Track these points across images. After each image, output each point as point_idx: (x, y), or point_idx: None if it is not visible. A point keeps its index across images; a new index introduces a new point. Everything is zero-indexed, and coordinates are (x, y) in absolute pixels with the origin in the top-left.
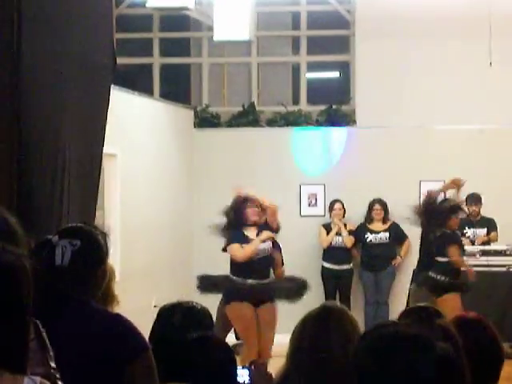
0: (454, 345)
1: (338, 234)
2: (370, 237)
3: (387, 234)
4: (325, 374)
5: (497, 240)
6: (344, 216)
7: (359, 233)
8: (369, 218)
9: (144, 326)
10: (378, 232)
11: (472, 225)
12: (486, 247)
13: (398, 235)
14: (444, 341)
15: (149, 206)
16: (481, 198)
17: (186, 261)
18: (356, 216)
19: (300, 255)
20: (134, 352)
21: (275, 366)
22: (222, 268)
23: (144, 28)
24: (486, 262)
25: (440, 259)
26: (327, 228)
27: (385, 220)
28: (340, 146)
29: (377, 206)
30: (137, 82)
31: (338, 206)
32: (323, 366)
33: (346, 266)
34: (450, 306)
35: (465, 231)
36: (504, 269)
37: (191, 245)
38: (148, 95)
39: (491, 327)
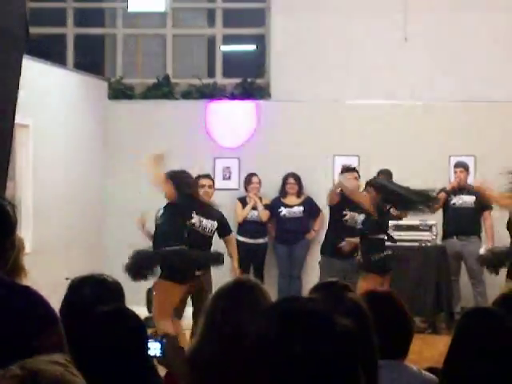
0: (364, 319)
1: (254, 208)
2: (283, 211)
3: (301, 208)
4: (236, 348)
5: (406, 216)
6: (259, 190)
7: (273, 207)
8: (283, 192)
9: (56, 299)
10: (292, 206)
11: None
12: (399, 222)
13: (312, 209)
14: (353, 316)
15: (61, 178)
16: (391, 174)
17: (99, 234)
18: (270, 190)
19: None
20: (42, 324)
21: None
22: (133, 243)
23: None
24: (398, 237)
25: None
26: (243, 202)
27: (299, 194)
28: (254, 120)
29: (290, 180)
30: (50, 52)
31: (255, 179)
32: (234, 340)
33: (261, 240)
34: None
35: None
36: (416, 244)
37: (104, 218)
38: (61, 65)
39: (401, 302)
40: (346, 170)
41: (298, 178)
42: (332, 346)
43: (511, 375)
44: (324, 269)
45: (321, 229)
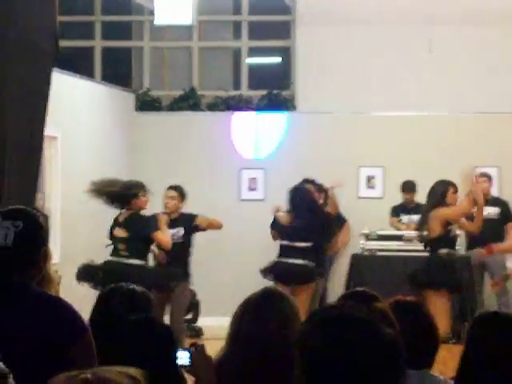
0: (393, 329)
1: None
2: None
3: None
4: (262, 359)
5: None
6: None
7: None
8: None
9: (84, 308)
10: None
11: (407, 211)
12: (425, 233)
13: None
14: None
15: None
16: (415, 186)
17: None
18: None
19: (241, 239)
20: (73, 335)
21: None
22: None
23: (86, 11)
24: (423, 248)
25: None
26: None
27: (324, 204)
28: (280, 131)
29: (309, 187)
30: (79, 64)
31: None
32: (261, 350)
33: None
34: None
35: (400, 217)
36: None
37: None
38: (89, 78)
39: (428, 311)
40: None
41: (323, 189)
42: (378, 354)
43: None
44: None
45: (346, 240)
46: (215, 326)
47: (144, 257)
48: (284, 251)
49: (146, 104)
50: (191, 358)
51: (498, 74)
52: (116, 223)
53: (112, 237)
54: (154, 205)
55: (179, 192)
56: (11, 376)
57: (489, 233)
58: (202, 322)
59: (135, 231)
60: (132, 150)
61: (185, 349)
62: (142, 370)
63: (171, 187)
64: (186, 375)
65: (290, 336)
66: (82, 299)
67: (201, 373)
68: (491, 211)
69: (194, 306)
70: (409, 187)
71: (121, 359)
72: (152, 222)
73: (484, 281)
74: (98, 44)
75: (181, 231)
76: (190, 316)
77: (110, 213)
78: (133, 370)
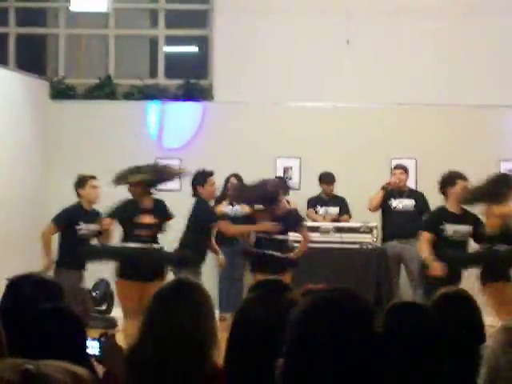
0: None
1: None
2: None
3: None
4: (173, 348)
5: (348, 221)
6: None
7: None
8: (225, 193)
9: None
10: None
11: (324, 203)
12: (341, 224)
13: None
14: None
15: (2, 181)
16: (334, 177)
17: (37, 235)
18: None
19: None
20: None
21: None
22: None
23: None
24: (339, 239)
25: None
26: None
27: None
28: (197, 121)
29: (233, 180)
30: None
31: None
32: (172, 339)
33: None
34: None
35: (316, 209)
36: (357, 246)
37: (45, 221)
38: (3, 65)
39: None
40: None
41: (240, 179)
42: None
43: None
44: None
45: None
46: None
47: None
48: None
49: (61, 92)
50: (101, 347)
51: (415, 65)
52: (140, 210)
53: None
54: (67, 195)
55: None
56: None
57: (405, 224)
58: (115, 312)
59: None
60: (46, 139)
61: (95, 338)
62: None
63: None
64: (96, 364)
65: (202, 325)
66: None
67: (111, 362)
68: (407, 203)
69: (107, 297)
70: (327, 179)
71: (30, 348)
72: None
73: (399, 272)
74: (12, 31)
75: None
76: (103, 307)
77: (21, 202)
78: (81, 370)
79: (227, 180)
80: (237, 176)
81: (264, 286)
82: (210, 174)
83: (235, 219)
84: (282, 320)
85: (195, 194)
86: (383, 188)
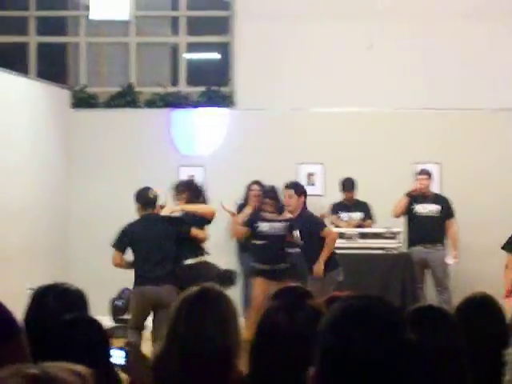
0: None
1: None
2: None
3: None
4: (198, 358)
5: (371, 226)
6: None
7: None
8: (247, 200)
9: (18, 308)
10: None
11: (347, 209)
12: (365, 230)
13: None
14: (313, 322)
15: (25, 189)
16: (354, 184)
17: (63, 243)
18: (235, 199)
19: None
20: (5, 335)
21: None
22: (99, 252)
23: (20, 6)
24: (364, 245)
25: None
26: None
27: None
28: (219, 128)
29: (255, 187)
30: (13, 61)
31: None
32: (197, 349)
33: None
34: None
35: (340, 215)
36: (382, 251)
37: (68, 229)
38: (24, 74)
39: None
40: None
41: (262, 186)
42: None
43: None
44: None
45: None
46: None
47: None
48: None
49: (82, 101)
50: (126, 357)
51: (437, 70)
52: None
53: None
54: (89, 203)
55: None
56: None
57: (430, 229)
58: None
59: None
60: (68, 147)
61: (120, 348)
62: (90, 369)
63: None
64: (122, 374)
65: (227, 335)
66: (16, 300)
67: (136, 372)
68: (432, 208)
69: None
70: (348, 186)
71: (55, 359)
72: None
73: (424, 278)
74: (32, 40)
75: None
76: (127, 316)
77: (44, 212)
78: (80, 368)
79: (249, 187)
80: (258, 183)
81: (285, 293)
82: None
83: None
84: (305, 327)
85: None
86: (407, 195)
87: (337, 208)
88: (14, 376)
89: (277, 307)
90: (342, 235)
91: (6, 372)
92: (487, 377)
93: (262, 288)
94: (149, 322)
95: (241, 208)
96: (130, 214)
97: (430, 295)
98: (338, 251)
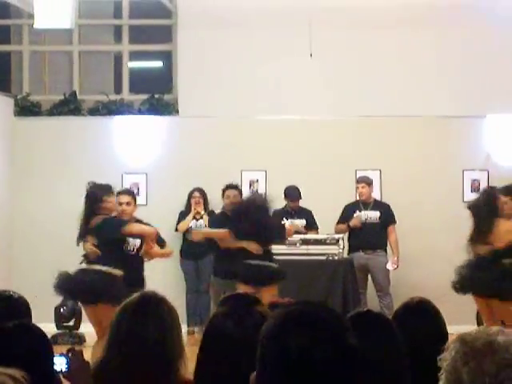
0: None
1: None
2: (191, 224)
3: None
4: (139, 364)
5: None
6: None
7: (179, 221)
8: (188, 207)
9: None
10: (197, 220)
11: (290, 216)
12: (307, 236)
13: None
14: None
15: None
16: (299, 194)
17: (7, 254)
18: (177, 205)
19: None
20: None
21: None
22: (42, 259)
23: None
24: (306, 251)
25: None
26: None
27: (204, 208)
28: (162, 135)
29: (196, 194)
30: None
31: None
32: (138, 355)
33: None
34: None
35: (282, 222)
36: (324, 257)
37: (12, 238)
38: None
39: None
40: None
41: (203, 193)
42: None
43: None
44: None
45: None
46: None
47: None
48: None
49: (26, 109)
50: (68, 363)
51: (378, 76)
52: None
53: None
54: (33, 211)
55: (133, 196)
56: None
57: (371, 235)
58: (83, 328)
59: None
60: (11, 156)
61: (62, 354)
62: (23, 371)
63: (124, 192)
64: (63, 380)
65: (168, 339)
66: None
67: (78, 378)
68: (372, 215)
69: (75, 313)
70: (293, 194)
71: None
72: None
73: (366, 283)
74: None
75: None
76: (71, 323)
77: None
78: (12, 371)
79: (190, 194)
80: (200, 190)
81: (233, 300)
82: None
83: None
84: (252, 334)
85: None
86: (348, 226)
87: (280, 214)
88: None
89: (225, 313)
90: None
91: None
92: (425, 381)
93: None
94: None
95: (182, 215)
96: (73, 222)
97: (372, 301)
98: (280, 257)
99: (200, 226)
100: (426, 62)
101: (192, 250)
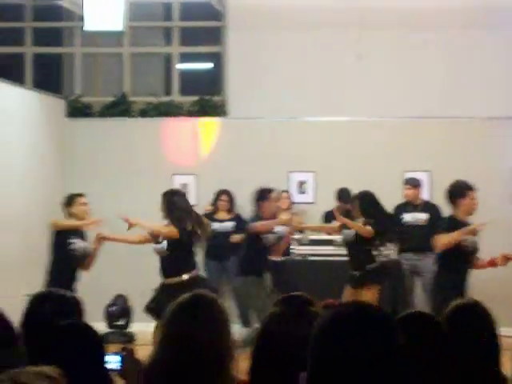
0: None
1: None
2: (215, 225)
3: (232, 223)
4: (191, 363)
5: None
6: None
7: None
8: (216, 208)
9: (13, 315)
10: (222, 221)
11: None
12: None
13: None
14: None
15: (20, 197)
16: (349, 192)
17: None
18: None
19: None
20: (3, 341)
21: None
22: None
23: (17, 17)
24: None
25: None
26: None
27: (230, 210)
28: (211, 137)
29: (223, 197)
30: (9, 71)
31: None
32: (189, 354)
33: None
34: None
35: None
36: None
37: None
38: (20, 84)
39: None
40: None
41: (230, 195)
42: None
43: None
44: None
45: None
46: (147, 331)
47: None
48: None
49: (77, 110)
50: (122, 362)
51: (427, 77)
52: None
53: None
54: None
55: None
56: None
57: (418, 239)
58: (134, 327)
59: None
60: (62, 156)
61: (115, 353)
62: (59, 368)
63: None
64: (117, 379)
65: (219, 340)
66: (10, 305)
67: (130, 376)
68: (421, 217)
69: (125, 312)
70: (344, 196)
71: (51, 364)
72: None
73: (414, 284)
74: (28, 50)
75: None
76: (121, 322)
77: (38, 219)
78: (48, 369)
79: (218, 196)
80: (226, 192)
81: (288, 300)
82: (270, 191)
83: (226, 234)
84: (306, 334)
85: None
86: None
87: (329, 216)
88: None
89: (280, 313)
90: (332, 242)
91: None
92: (475, 383)
93: None
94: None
95: (209, 216)
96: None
97: (421, 302)
98: (332, 258)
99: (226, 227)
100: (477, 62)
101: (217, 251)
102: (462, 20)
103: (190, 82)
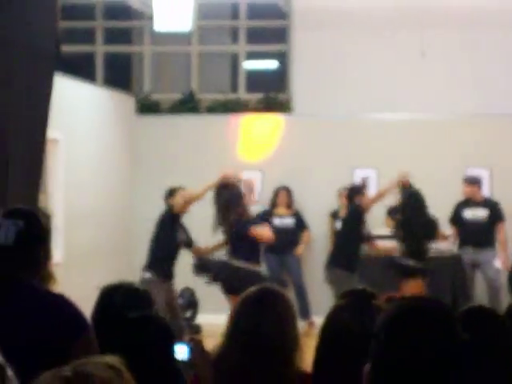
0: None
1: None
2: (276, 221)
3: (293, 220)
4: (258, 355)
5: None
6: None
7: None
8: (275, 204)
9: (86, 307)
10: (283, 216)
11: None
12: None
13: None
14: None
15: (91, 192)
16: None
17: (127, 245)
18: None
19: None
20: (75, 332)
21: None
22: None
23: (88, 17)
24: None
25: None
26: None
27: (289, 206)
28: (277, 133)
29: (282, 193)
30: (81, 69)
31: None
32: (257, 346)
33: None
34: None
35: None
36: (433, 253)
37: (132, 230)
38: (91, 82)
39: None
40: None
41: (289, 191)
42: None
43: None
44: None
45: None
46: (214, 323)
47: None
48: None
49: (146, 107)
50: (190, 352)
51: (487, 76)
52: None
53: None
54: (152, 207)
55: None
56: (10, 369)
57: (478, 235)
58: (200, 319)
59: None
60: (132, 152)
61: (184, 343)
62: (121, 358)
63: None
64: (185, 369)
65: (285, 333)
66: (84, 298)
67: (199, 367)
68: (481, 214)
69: (192, 304)
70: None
71: (121, 355)
72: None
73: (474, 278)
74: (99, 49)
75: None
76: (188, 314)
77: (109, 214)
78: (111, 359)
79: (277, 193)
80: (286, 188)
81: (352, 293)
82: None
83: (286, 230)
84: (370, 327)
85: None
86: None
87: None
88: (51, 379)
89: (344, 306)
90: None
91: (47, 375)
92: None
93: None
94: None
95: (266, 214)
96: (190, 215)
97: (481, 296)
98: (389, 253)
99: (286, 223)
100: None
101: (277, 245)
102: None
103: (256, 79)
